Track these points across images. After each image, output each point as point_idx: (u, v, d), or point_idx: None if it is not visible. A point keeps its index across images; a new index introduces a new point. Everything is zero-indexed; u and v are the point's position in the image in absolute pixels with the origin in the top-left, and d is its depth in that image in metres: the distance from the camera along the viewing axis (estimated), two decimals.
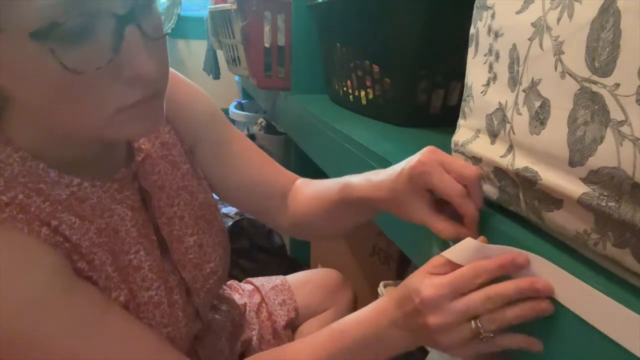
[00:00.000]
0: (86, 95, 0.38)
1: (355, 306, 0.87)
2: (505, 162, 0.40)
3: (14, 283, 0.39)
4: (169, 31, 0.41)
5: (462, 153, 0.47)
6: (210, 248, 0.60)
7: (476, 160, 0.45)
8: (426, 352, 0.64)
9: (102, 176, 0.49)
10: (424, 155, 0.44)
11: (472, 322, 0.38)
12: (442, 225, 0.44)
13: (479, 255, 0.39)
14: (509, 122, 0.39)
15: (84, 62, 0.36)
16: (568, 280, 0.34)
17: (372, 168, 0.66)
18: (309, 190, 0.65)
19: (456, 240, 0.42)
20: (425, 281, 0.40)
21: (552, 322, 0.35)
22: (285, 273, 0.92)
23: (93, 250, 0.46)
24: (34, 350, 0.40)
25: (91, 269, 0.46)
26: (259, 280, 0.88)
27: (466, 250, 0.40)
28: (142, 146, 0.56)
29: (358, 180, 0.53)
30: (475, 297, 0.38)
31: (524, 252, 0.37)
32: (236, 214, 1.38)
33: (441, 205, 0.46)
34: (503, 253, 0.38)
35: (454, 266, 0.40)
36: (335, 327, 0.47)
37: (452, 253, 0.40)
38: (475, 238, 0.41)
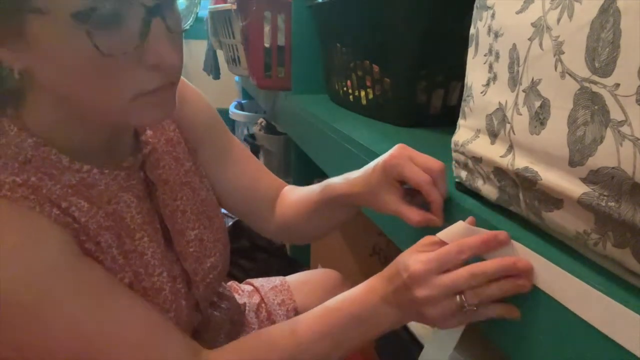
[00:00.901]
0: (110, 78, 0.41)
1: None
2: (505, 162, 0.40)
3: (25, 253, 0.41)
4: (187, 27, 0.45)
5: (462, 153, 0.47)
6: (210, 243, 0.62)
7: (476, 160, 0.45)
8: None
9: (110, 164, 0.52)
10: (396, 150, 0.51)
11: (457, 296, 0.40)
12: (412, 213, 0.49)
13: (468, 234, 0.42)
14: (509, 122, 0.39)
15: (113, 46, 0.39)
16: (549, 267, 0.35)
17: None
18: (294, 196, 0.70)
19: (426, 228, 0.48)
20: (413, 257, 0.43)
21: (532, 306, 0.36)
22: (285, 273, 0.92)
23: (100, 232, 0.48)
24: (40, 318, 0.41)
25: (98, 250, 0.47)
26: (258, 281, 0.88)
27: (457, 231, 0.43)
28: (149, 139, 0.58)
29: (337, 180, 0.59)
30: (461, 273, 0.40)
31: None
32: None
33: (410, 198, 0.51)
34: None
35: (441, 244, 0.43)
36: (328, 305, 0.49)
37: (445, 234, 0.44)
38: (441, 224, 0.46)
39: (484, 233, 0.41)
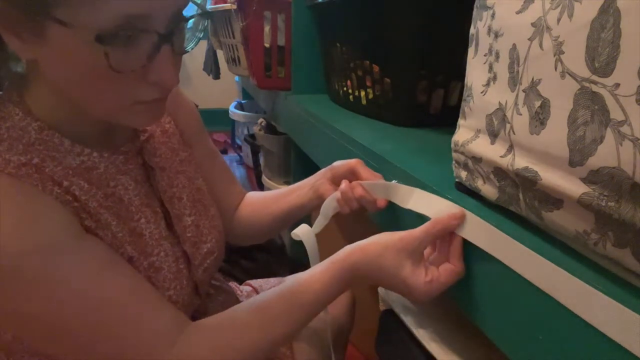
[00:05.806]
0: (114, 87, 0.45)
1: (353, 307, 0.87)
2: (505, 162, 0.40)
3: (30, 226, 0.43)
4: (189, 50, 0.51)
5: (462, 153, 0.47)
6: (206, 229, 0.64)
7: (476, 160, 0.45)
8: (428, 356, 0.64)
9: (109, 149, 0.55)
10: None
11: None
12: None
13: (384, 188, 0.58)
14: (509, 122, 0.39)
15: (124, 64, 0.43)
16: (549, 267, 0.35)
17: (372, 168, 0.66)
18: (261, 195, 0.80)
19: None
20: (416, 278, 0.48)
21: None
22: (286, 273, 0.92)
23: (100, 211, 0.50)
24: (42, 290, 0.43)
25: (98, 227, 0.50)
26: (257, 282, 0.89)
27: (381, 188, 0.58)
28: (147, 128, 0.61)
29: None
30: (449, 280, 0.48)
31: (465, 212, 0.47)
32: None
33: None
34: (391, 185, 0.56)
35: (427, 242, 0.49)
36: (294, 287, 0.53)
37: (372, 188, 0.58)
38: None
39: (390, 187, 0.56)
